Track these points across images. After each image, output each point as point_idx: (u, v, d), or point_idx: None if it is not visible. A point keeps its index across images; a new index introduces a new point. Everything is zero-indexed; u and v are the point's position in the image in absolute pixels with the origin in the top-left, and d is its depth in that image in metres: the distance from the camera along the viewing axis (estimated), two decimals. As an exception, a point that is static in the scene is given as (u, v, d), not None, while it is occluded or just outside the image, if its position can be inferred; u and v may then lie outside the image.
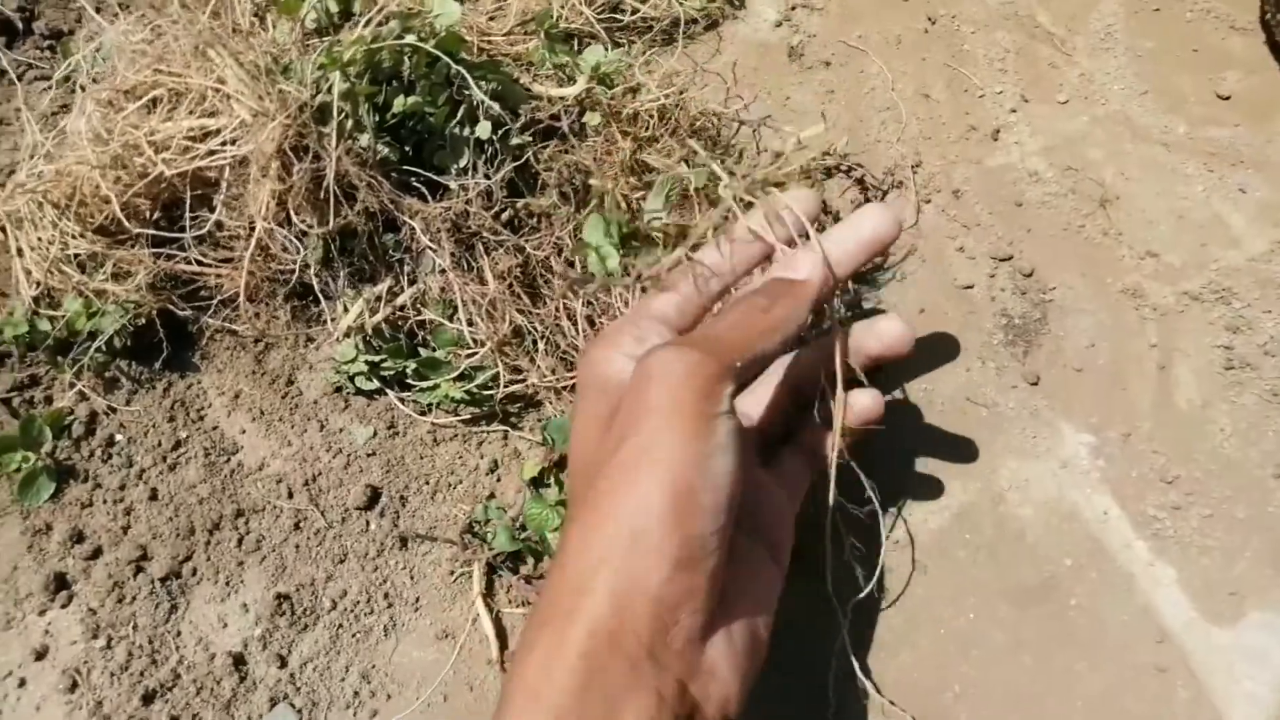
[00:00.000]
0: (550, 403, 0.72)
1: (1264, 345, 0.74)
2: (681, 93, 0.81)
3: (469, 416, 0.72)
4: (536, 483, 0.69)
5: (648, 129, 0.76)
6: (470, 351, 0.69)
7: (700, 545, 0.43)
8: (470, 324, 0.68)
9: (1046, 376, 0.75)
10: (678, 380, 0.44)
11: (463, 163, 0.71)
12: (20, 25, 0.84)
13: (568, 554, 0.45)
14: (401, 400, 0.72)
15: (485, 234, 0.69)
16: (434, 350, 0.71)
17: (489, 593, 0.67)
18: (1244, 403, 0.73)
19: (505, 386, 0.71)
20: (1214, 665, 0.65)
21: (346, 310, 0.71)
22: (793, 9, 0.91)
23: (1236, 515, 0.69)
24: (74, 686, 0.65)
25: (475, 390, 0.70)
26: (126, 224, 0.69)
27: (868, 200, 0.80)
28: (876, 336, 0.59)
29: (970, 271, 0.78)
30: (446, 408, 0.72)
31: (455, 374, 0.70)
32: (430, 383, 0.70)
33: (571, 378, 0.71)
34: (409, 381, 0.72)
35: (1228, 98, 0.85)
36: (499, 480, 0.71)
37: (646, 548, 0.42)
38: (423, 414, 0.72)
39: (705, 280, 0.54)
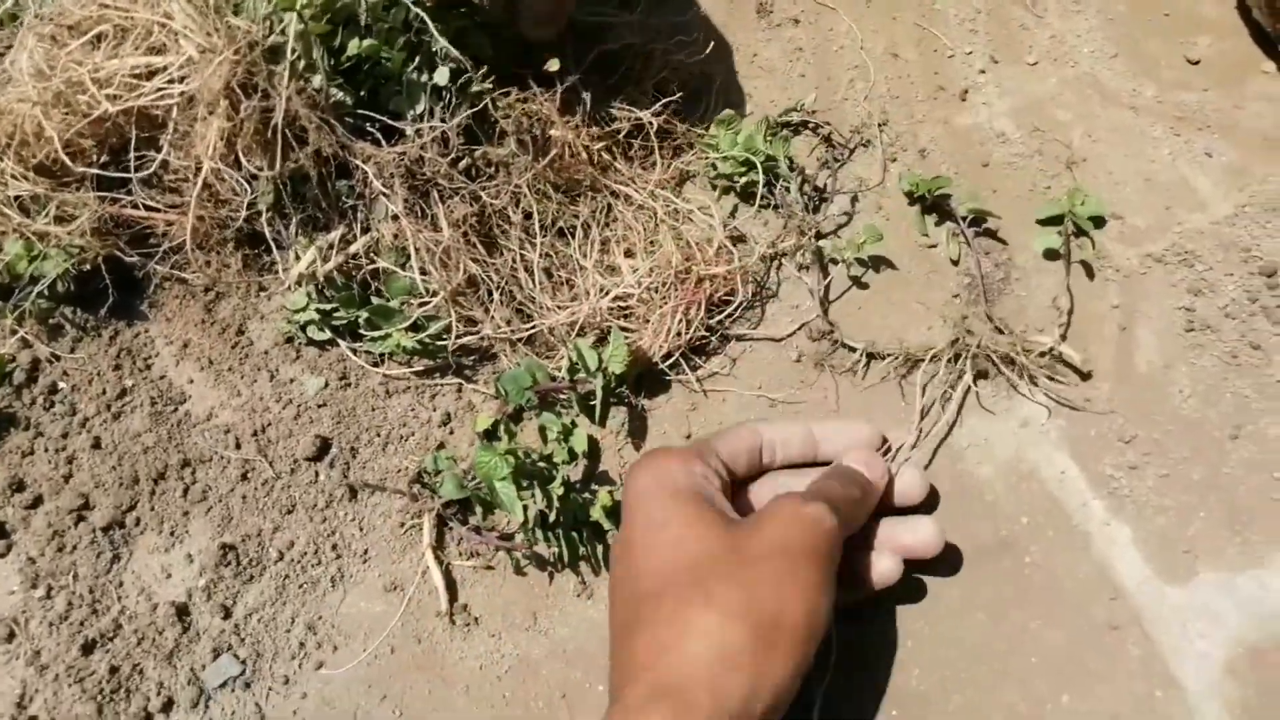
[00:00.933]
0: (505, 355, 0.71)
1: (1225, 308, 0.74)
2: (648, 42, 0.79)
3: (422, 368, 0.71)
4: (489, 435, 0.68)
5: (612, 78, 0.75)
6: (423, 301, 0.68)
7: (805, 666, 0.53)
8: (423, 273, 0.67)
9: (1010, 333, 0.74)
10: (826, 538, 0.55)
11: (419, 109, 0.69)
12: (-34, -38, 0.81)
13: (691, 636, 0.51)
14: (354, 351, 0.71)
15: (441, 181, 0.68)
16: (387, 299, 0.69)
17: (439, 545, 0.66)
18: (1204, 365, 0.72)
19: (459, 338, 0.69)
20: (1167, 623, 0.65)
21: (298, 258, 0.69)
22: (762, -36, 0.90)
23: (1193, 476, 0.69)
24: (11, 636, 0.63)
25: (428, 340, 0.69)
26: (70, 164, 0.67)
27: (835, 157, 0.79)
28: (911, 532, 0.64)
29: (934, 230, 0.78)
30: (399, 359, 0.71)
31: (407, 323, 0.68)
32: (382, 332, 0.69)
33: (528, 329, 0.70)
34: (361, 332, 0.71)
35: (1197, 62, 0.85)
36: (451, 433, 0.70)
37: (781, 655, 0.51)
38: (375, 365, 0.71)
39: (775, 449, 0.64)
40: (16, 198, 0.69)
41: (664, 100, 0.76)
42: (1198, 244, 0.76)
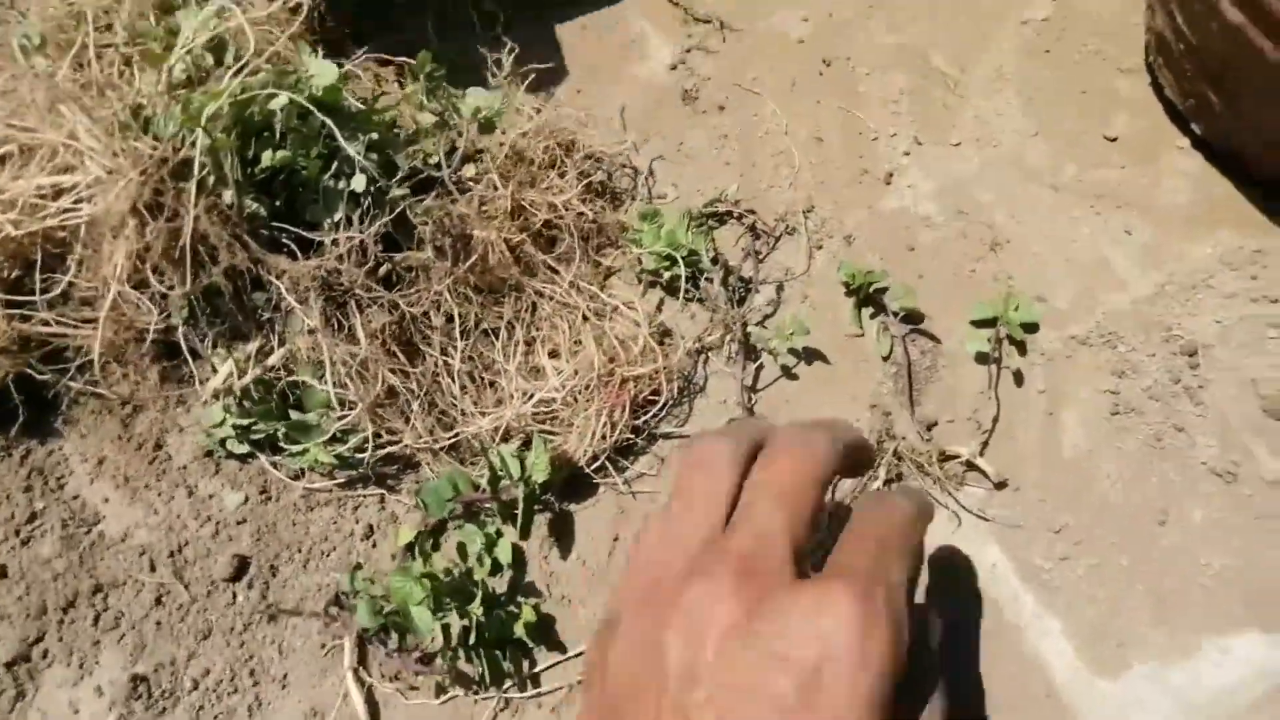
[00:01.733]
0: (427, 463, 0.69)
1: (1148, 389, 0.74)
2: (571, 136, 0.79)
3: (344, 480, 0.70)
4: (411, 549, 0.66)
5: (531, 173, 0.74)
6: (341, 415, 0.67)
7: None
8: (340, 385, 0.65)
9: (939, 426, 0.74)
10: None
11: (336, 217, 0.68)
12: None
13: None
14: (274, 465, 0.69)
15: (358, 291, 0.67)
16: (304, 413, 0.68)
17: (361, 665, 0.64)
18: (1128, 449, 0.73)
19: (379, 448, 0.68)
20: (1100, 717, 0.65)
21: (215, 371, 0.68)
22: (688, 52, 0.90)
23: (1121, 563, 0.69)
24: (-87, 782, 0.61)
25: (347, 454, 0.67)
26: (-27, 285, 0.65)
27: (758, 247, 0.79)
28: None
29: (866, 322, 0.78)
30: (320, 471, 0.69)
31: (326, 437, 0.67)
32: (300, 447, 0.67)
33: (450, 437, 0.69)
34: (280, 445, 0.69)
35: (1115, 139, 0.86)
36: (374, 545, 0.69)
37: None
38: (295, 478, 0.70)
39: None
40: (-81, 319, 0.67)
41: (585, 192, 0.76)
42: (1120, 325, 0.77)
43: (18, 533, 0.68)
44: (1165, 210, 0.82)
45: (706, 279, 0.75)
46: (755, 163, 0.84)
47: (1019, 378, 0.76)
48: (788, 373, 0.76)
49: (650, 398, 0.72)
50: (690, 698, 0.34)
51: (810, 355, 0.76)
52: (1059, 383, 0.75)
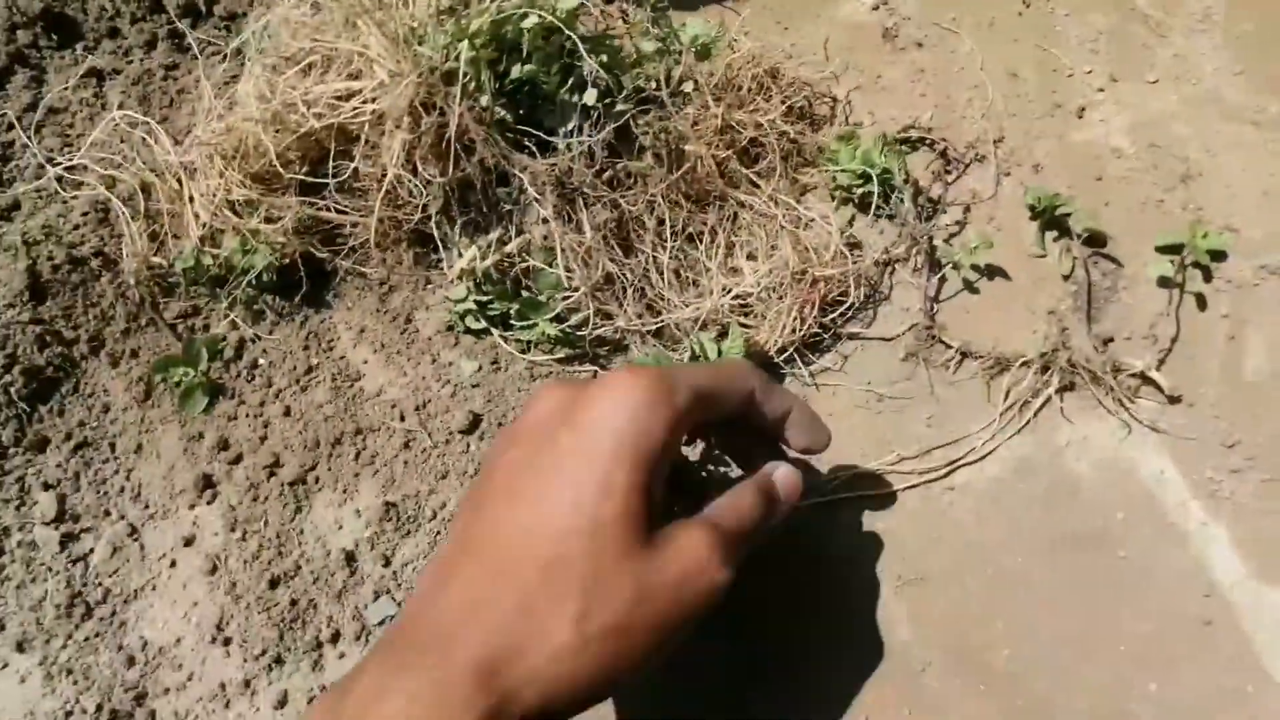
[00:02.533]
0: (635, 346, 0.79)
1: (1341, 320, 0.75)
2: (776, 64, 0.87)
3: (563, 356, 0.80)
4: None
5: (739, 96, 0.82)
6: (566, 295, 0.77)
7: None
8: (568, 270, 0.75)
9: (1115, 343, 0.77)
10: (716, 596, 0.51)
11: (570, 126, 0.78)
12: (203, 7, 0.96)
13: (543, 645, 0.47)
14: (504, 339, 0.81)
15: (586, 190, 0.77)
16: (536, 293, 0.79)
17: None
18: (1314, 375, 0.74)
19: (595, 329, 0.78)
20: (1261, 621, 0.67)
21: (460, 255, 0.79)
22: (890, -8, 0.96)
23: (1297, 482, 0.71)
24: (214, 570, 0.75)
25: (569, 330, 0.77)
26: (281, 173, 0.79)
27: (948, 170, 0.84)
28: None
29: (1041, 242, 0.81)
30: (544, 347, 0.80)
31: (553, 314, 0.77)
32: (530, 322, 0.78)
33: (657, 322, 0.78)
34: (512, 322, 0.80)
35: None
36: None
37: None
38: (523, 352, 0.80)
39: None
40: (235, 202, 0.82)
41: (788, 114, 0.83)
42: (1315, 257, 0.77)
43: (298, 381, 0.82)
44: (1373, 150, 0.81)
45: (897, 197, 0.81)
46: (949, 95, 0.89)
47: (1202, 302, 0.78)
48: (969, 286, 0.81)
49: (838, 299, 0.78)
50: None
51: (992, 272, 0.81)
52: (1245, 309, 0.77)
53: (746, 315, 0.78)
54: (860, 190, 0.82)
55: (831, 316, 0.79)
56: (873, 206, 0.82)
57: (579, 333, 0.78)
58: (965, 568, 0.71)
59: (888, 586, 0.71)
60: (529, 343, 0.80)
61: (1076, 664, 0.67)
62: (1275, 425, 0.72)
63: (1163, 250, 0.79)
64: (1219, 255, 0.78)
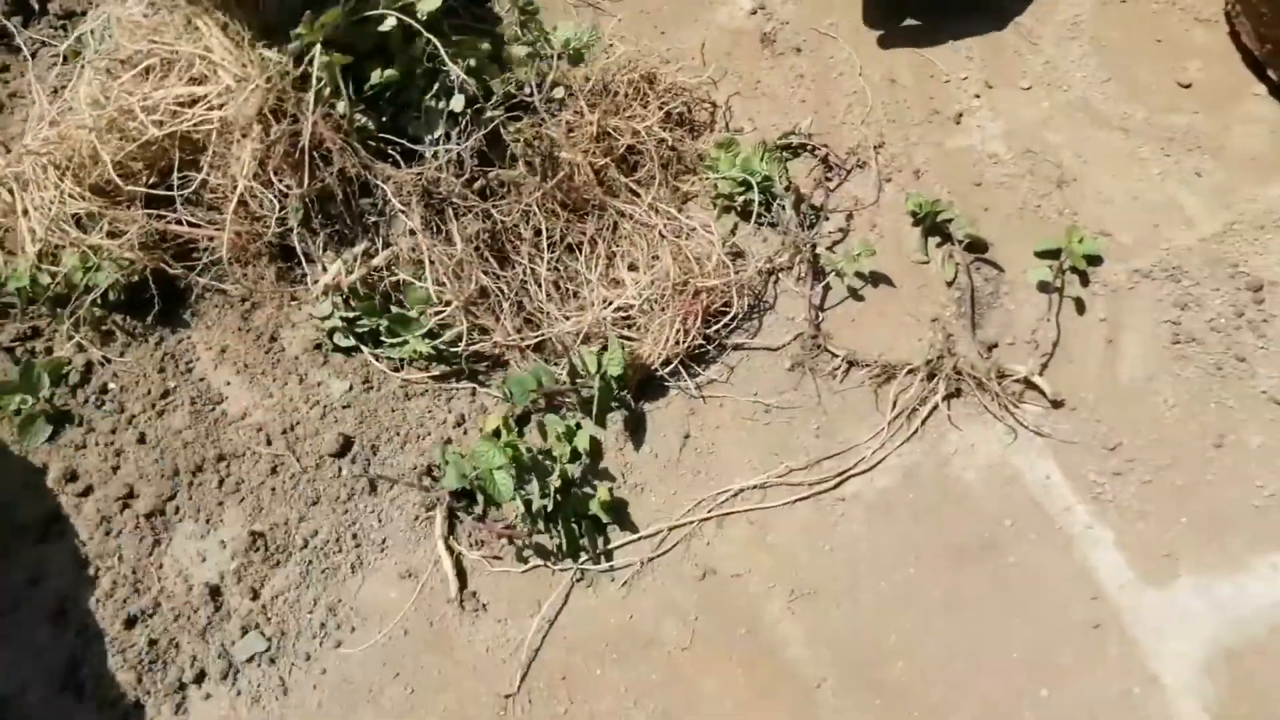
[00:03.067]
0: (515, 361, 0.76)
1: (1210, 321, 0.76)
2: (653, 70, 0.84)
3: (438, 373, 0.76)
4: (497, 434, 0.72)
5: (615, 102, 0.80)
6: (438, 310, 0.73)
7: None
8: (439, 284, 0.72)
9: (998, 348, 0.77)
10: None
11: (437, 133, 0.75)
12: (35, 5, 0.89)
13: None
14: (375, 356, 0.76)
15: (455, 200, 0.73)
16: (406, 309, 0.75)
17: (450, 535, 0.71)
18: (1187, 376, 0.75)
19: (471, 344, 0.74)
20: (1146, 624, 0.67)
21: (325, 270, 0.75)
22: (769, -2, 0.95)
23: (1175, 482, 0.72)
24: (62, 612, 0.69)
25: (442, 347, 0.74)
26: (121, 184, 0.74)
27: (830, 177, 0.84)
28: None
29: (932, 250, 0.81)
30: (418, 364, 0.76)
31: (424, 330, 0.73)
32: (400, 339, 0.74)
33: (536, 337, 0.75)
34: (382, 339, 0.76)
35: (1188, 86, 0.88)
36: (465, 433, 0.75)
37: None
38: (396, 370, 0.76)
39: None
40: (74, 215, 0.76)
41: (665, 121, 0.81)
42: (1185, 260, 0.79)
43: (154, 405, 0.76)
44: (1239, 154, 0.84)
45: (779, 205, 0.79)
46: (829, 101, 0.88)
47: (1080, 306, 0.78)
48: (854, 294, 0.80)
49: (722, 309, 0.76)
50: None
51: (876, 279, 0.80)
52: (1120, 312, 0.78)
53: (629, 327, 0.76)
54: (742, 198, 0.80)
55: (715, 327, 0.77)
56: (754, 215, 0.80)
57: (453, 349, 0.75)
58: (858, 580, 0.70)
59: (779, 602, 0.69)
60: (402, 360, 0.76)
61: (969, 674, 0.66)
62: (1151, 427, 0.73)
63: (1041, 255, 0.79)
64: (1095, 260, 0.79)
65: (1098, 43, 0.90)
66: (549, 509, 0.66)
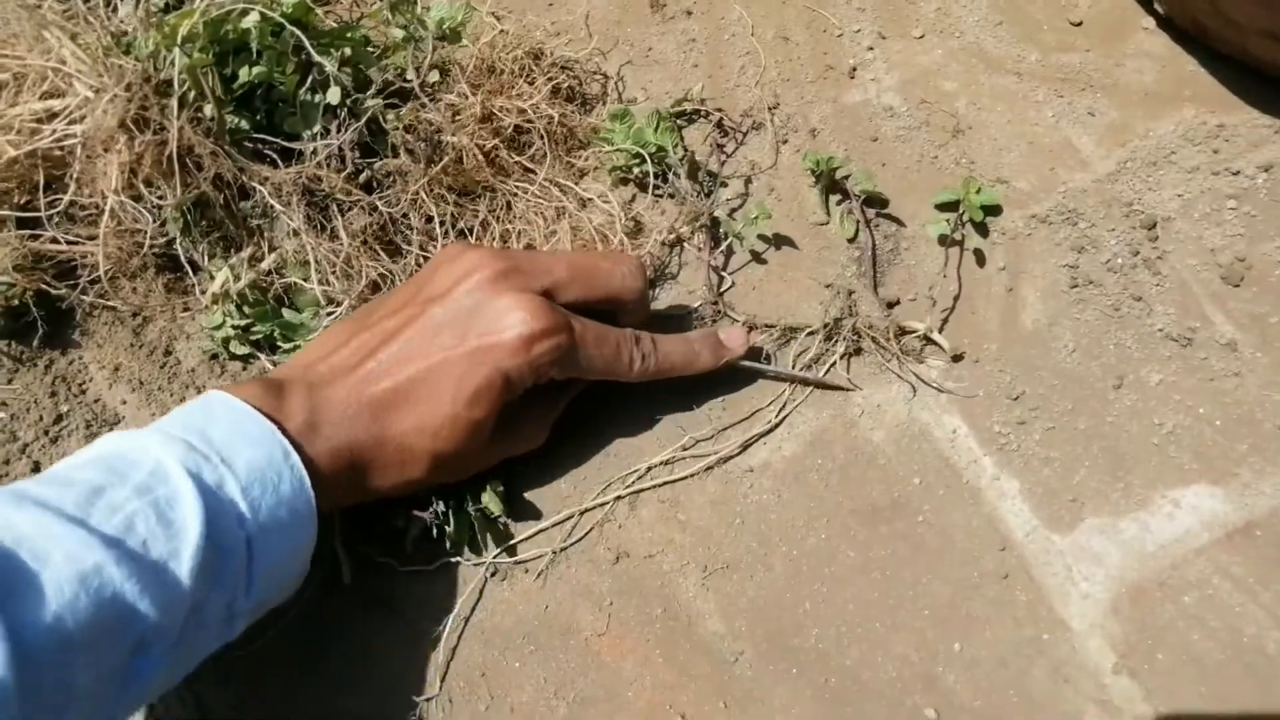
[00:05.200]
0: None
1: (1107, 262, 0.77)
2: (539, 46, 0.82)
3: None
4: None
5: (500, 81, 0.78)
6: (329, 311, 0.71)
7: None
8: (325, 283, 0.70)
9: (900, 305, 0.77)
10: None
11: (315, 128, 0.72)
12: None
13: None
14: (274, 364, 0.75)
15: (339, 195, 0.71)
16: (298, 311, 0.73)
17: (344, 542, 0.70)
18: (1087, 319, 0.75)
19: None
20: (1053, 569, 0.68)
21: (213, 278, 0.73)
22: (656, -41, 0.92)
23: (1077, 426, 0.72)
24: (-35, 653, 0.67)
25: (338, 348, 0.72)
26: (-13, 207, 0.71)
27: (724, 144, 0.82)
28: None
29: (825, 207, 0.80)
30: (316, 368, 0.74)
31: (314, 334, 0.72)
32: (293, 344, 0.72)
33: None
34: (277, 345, 0.74)
35: (1079, 24, 0.87)
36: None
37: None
38: (294, 375, 0.74)
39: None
40: (-55, 242, 0.73)
41: (555, 97, 0.79)
42: (1081, 202, 0.79)
43: (47, 433, 0.74)
44: (1130, 90, 0.84)
45: (674, 174, 0.78)
46: (723, 64, 0.87)
47: (980, 257, 0.78)
48: (757, 258, 0.79)
49: None
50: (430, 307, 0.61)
51: (779, 241, 0.79)
52: (1019, 260, 0.78)
53: None
54: (637, 170, 0.79)
55: None
56: (650, 186, 0.79)
57: None
58: (770, 550, 0.70)
59: (694, 579, 0.69)
60: (300, 365, 0.75)
61: (884, 634, 0.67)
62: (1052, 373, 0.74)
63: (940, 208, 0.79)
64: (993, 210, 0.79)
65: (989, -16, 0.88)
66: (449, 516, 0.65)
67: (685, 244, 0.79)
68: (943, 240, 0.78)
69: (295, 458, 0.54)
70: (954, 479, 0.71)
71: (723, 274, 0.78)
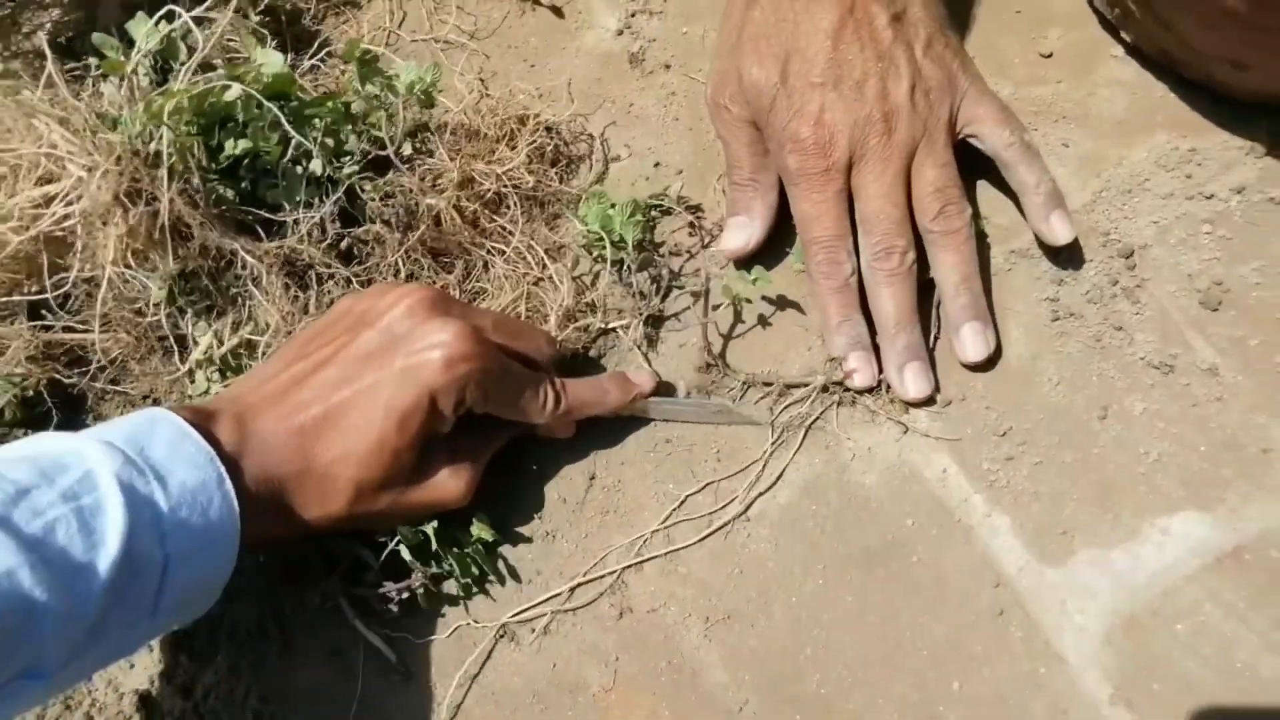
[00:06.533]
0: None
1: (1087, 293, 0.78)
2: (523, 110, 0.85)
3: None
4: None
5: (481, 146, 0.80)
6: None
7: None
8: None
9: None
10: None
11: (299, 198, 0.74)
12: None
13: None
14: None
15: (318, 266, 0.74)
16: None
17: (361, 611, 0.72)
18: (1069, 351, 0.77)
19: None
20: (1046, 603, 0.70)
21: (196, 343, 0.75)
22: (633, 16, 0.94)
23: (1065, 459, 0.74)
24: (-4, 738, 0.70)
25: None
26: (-5, 300, 0.73)
27: (690, 249, 0.84)
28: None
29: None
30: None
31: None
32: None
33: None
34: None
35: (1049, 55, 0.89)
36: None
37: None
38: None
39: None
40: (-43, 338, 0.76)
41: (538, 164, 0.81)
42: (1058, 235, 0.80)
43: (63, 519, 0.76)
44: (1102, 119, 0.85)
45: (627, 267, 0.79)
46: (701, 116, 0.89)
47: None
48: (763, 322, 0.81)
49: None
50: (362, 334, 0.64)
51: (783, 303, 0.81)
52: (1001, 296, 0.79)
53: None
54: (598, 252, 0.80)
55: None
56: (606, 269, 0.80)
57: None
58: (770, 599, 0.72)
59: (696, 631, 0.71)
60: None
61: (884, 677, 0.69)
62: (1037, 407, 0.75)
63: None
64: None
65: (958, 20, 0.90)
66: (431, 547, 0.68)
67: (620, 333, 0.80)
68: (926, 282, 0.79)
69: (229, 484, 0.55)
70: (946, 518, 0.73)
71: (720, 333, 0.79)
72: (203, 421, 0.58)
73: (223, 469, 0.55)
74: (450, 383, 0.61)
